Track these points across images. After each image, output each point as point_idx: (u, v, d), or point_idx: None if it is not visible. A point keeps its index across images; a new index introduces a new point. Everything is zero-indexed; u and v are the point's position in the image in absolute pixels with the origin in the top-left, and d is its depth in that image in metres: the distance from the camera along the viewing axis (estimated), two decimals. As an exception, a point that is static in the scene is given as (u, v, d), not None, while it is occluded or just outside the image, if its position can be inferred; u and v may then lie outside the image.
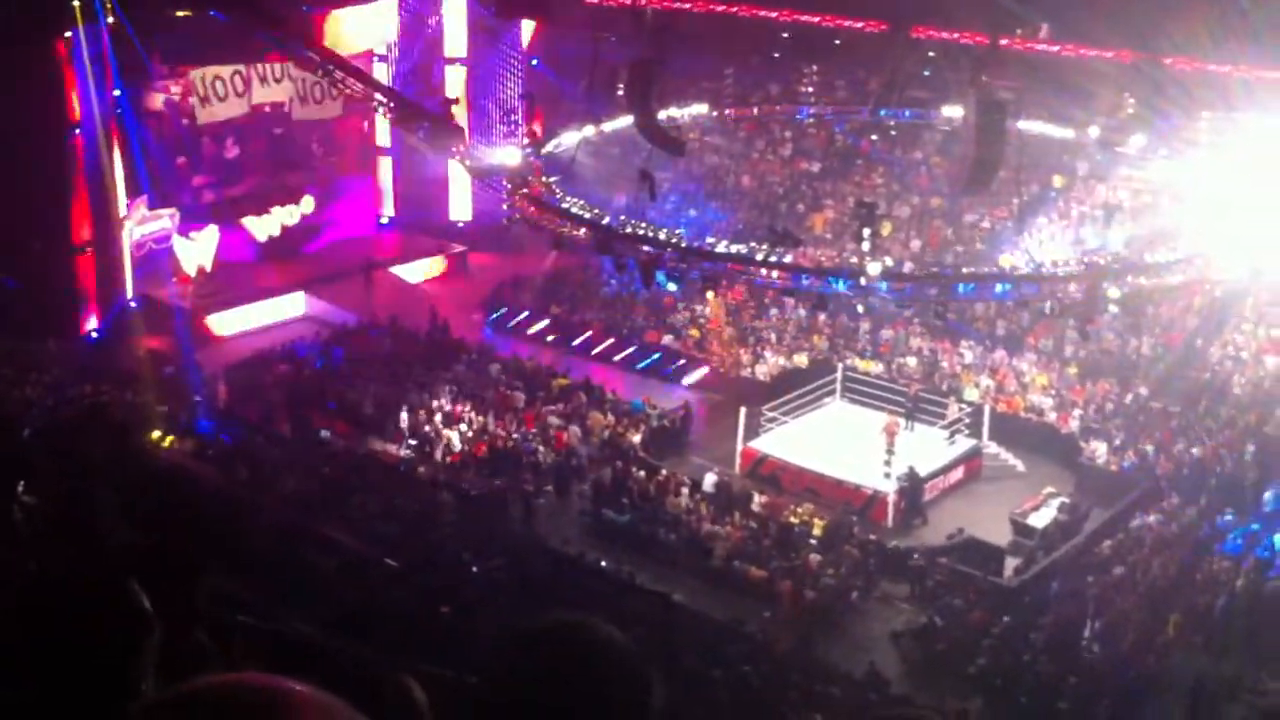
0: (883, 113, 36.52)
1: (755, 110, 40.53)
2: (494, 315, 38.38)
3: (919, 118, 36.88)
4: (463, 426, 30.12)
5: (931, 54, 37.78)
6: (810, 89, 42.16)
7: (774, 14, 39.88)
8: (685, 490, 27.77)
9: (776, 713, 18.64)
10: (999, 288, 28.19)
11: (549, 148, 32.99)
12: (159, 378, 31.59)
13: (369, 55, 40.37)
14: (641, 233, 28.88)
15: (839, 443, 30.39)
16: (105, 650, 2.29)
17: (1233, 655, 21.96)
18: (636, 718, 2.26)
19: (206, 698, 1.87)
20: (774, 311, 36.88)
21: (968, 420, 31.04)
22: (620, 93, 29.60)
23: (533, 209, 30.61)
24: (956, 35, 36.27)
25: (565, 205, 29.99)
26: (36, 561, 4.32)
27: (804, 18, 39.89)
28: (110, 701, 2.30)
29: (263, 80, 38.18)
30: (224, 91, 37.14)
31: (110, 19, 31.70)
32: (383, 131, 42.37)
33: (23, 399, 28.50)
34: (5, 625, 2.34)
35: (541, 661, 2.28)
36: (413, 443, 29.51)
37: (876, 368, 34.13)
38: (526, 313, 37.88)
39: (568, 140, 33.18)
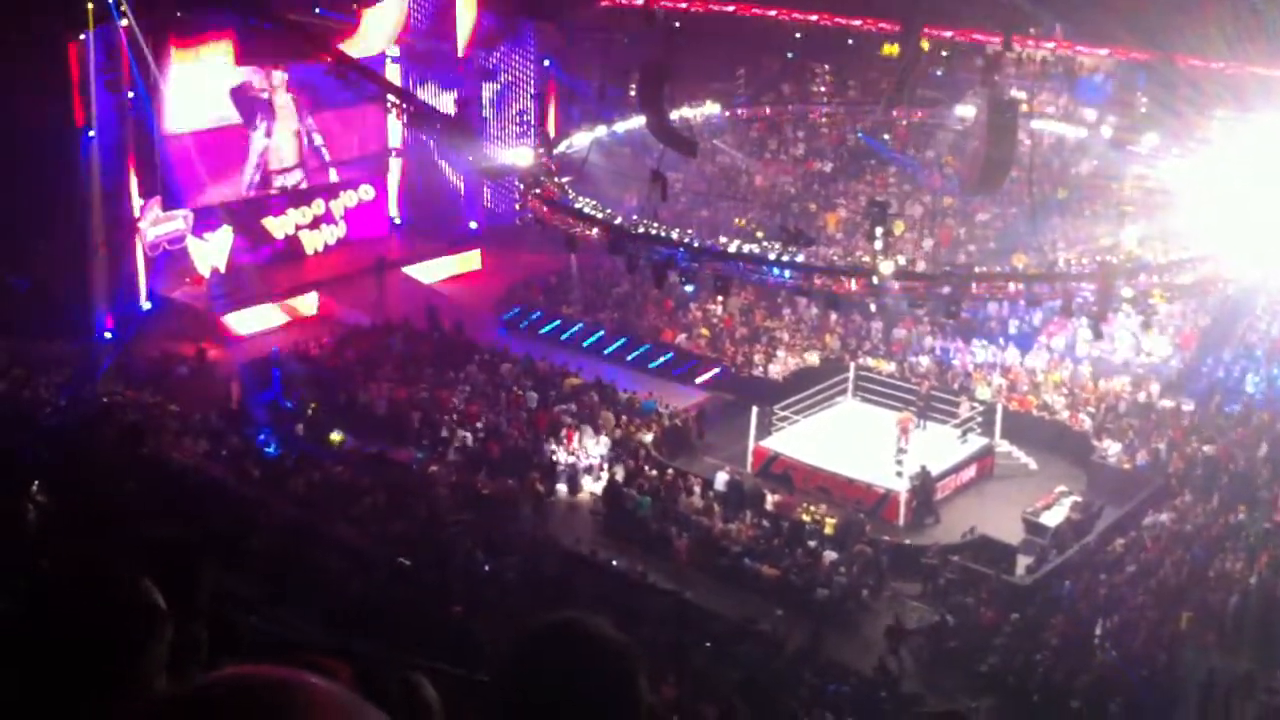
0: (893, 113, 36.42)
1: (767, 110, 40.48)
2: (507, 316, 38.32)
3: (931, 117, 36.78)
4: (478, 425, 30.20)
5: (945, 53, 37.73)
6: (823, 88, 42.12)
7: (787, 14, 39.85)
8: (697, 490, 27.77)
9: (787, 710, 18.64)
10: (1011, 287, 28.08)
11: (561, 148, 32.98)
12: (172, 378, 31.69)
13: (381, 56, 40.37)
14: (654, 232, 28.85)
15: (851, 441, 30.33)
16: (117, 646, 2.30)
17: (1246, 653, 21.95)
18: (626, 709, 2.29)
19: (222, 691, 1.87)
20: (786, 311, 36.82)
21: (979, 419, 30.98)
22: (632, 93, 29.60)
23: (545, 209, 30.60)
24: (969, 35, 36.24)
25: (578, 205, 29.98)
26: (49, 559, 4.35)
27: (817, 18, 39.89)
28: (122, 697, 2.31)
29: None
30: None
31: (124, 21, 31.77)
32: (395, 133, 42.38)
33: (35, 400, 28.65)
34: (18, 623, 2.36)
35: (529, 658, 2.33)
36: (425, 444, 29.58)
37: (889, 366, 34.05)
38: (539, 313, 37.88)
39: (580, 141, 33.16)
